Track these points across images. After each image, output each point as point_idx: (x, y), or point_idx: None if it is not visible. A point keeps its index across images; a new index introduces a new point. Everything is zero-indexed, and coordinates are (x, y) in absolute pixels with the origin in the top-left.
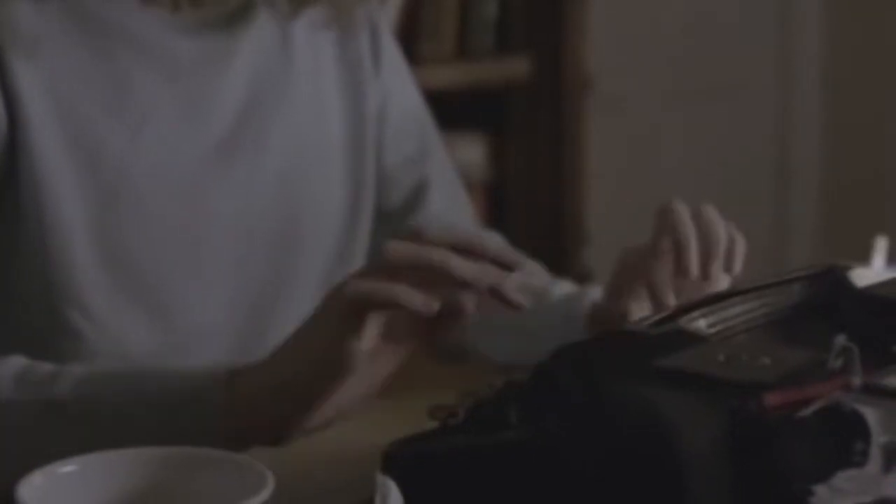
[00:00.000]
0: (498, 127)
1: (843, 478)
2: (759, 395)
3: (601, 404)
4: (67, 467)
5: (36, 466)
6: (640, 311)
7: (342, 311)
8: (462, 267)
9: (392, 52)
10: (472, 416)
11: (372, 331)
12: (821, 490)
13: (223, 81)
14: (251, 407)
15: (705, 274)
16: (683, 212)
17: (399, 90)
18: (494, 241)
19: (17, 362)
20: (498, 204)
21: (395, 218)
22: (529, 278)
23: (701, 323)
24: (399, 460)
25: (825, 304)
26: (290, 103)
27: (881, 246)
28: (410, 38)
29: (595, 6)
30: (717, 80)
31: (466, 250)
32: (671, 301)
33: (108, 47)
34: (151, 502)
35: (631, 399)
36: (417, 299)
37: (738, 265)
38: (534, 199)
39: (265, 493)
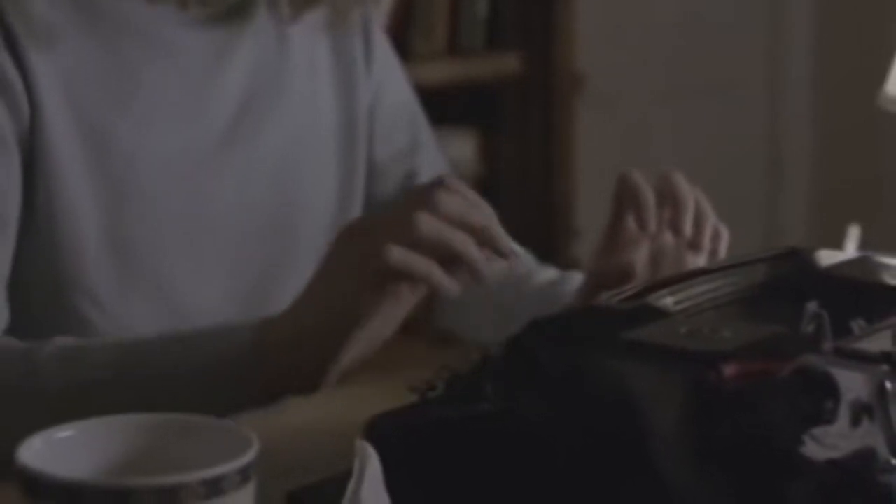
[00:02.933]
0: (489, 122)
1: (816, 434)
2: (717, 365)
3: (573, 376)
4: (65, 432)
5: None
6: (642, 260)
7: (375, 271)
8: (477, 258)
9: (384, 48)
10: (449, 390)
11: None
12: (808, 440)
13: (225, 75)
14: (280, 355)
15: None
16: (682, 179)
17: (391, 85)
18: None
19: (59, 342)
20: (489, 198)
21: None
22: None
23: (668, 300)
24: (380, 432)
25: (788, 283)
26: (285, 97)
27: (853, 234)
28: (403, 34)
29: (588, 5)
30: (708, 77)
31: (475, 231)
32: (651, 212)
33: (118, 42)
34: (144, 464)
35: (600, 371)
36: (446, 283)
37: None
38: (524, 194)
39: (251, 454)
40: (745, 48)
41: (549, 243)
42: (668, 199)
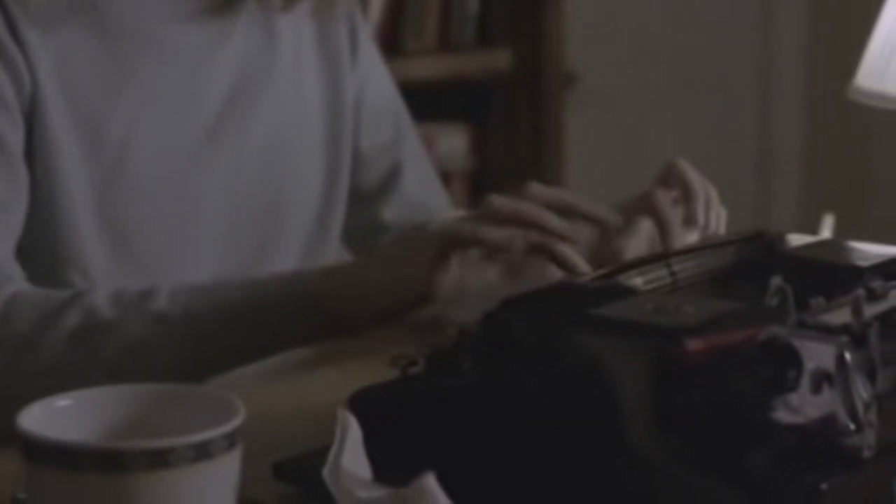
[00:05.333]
0: (480, 118)
1: (780, 401)
2: (679, 338)
3: (546, 350)
4: (63, 401)
5: (150, 378)
6: (635, 251)
7: (439, 242)
8: (555, 222)
9: (368, 43)
10: (429, 365)
11: (457, 267)
12: (771, 407)
13: (215, 67)
14: (338, 300)
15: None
16: (689, 167)
17: (374, 79)
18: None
19: (103, 291)
20: (479, 192)
21: (370, 197)
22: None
23: (638, 280)
24: (363, 404)
25: (754, 264)
26: (273, 89)
27: (828, 223)
28: (395, 31)
29: (583, 4)
30: (701, 76)
31: (560, 209)
32: (676, 234)
33: (111, 34)
34: (137, 431)
35: (571, 345)
36: (500, 239)
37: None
38: (514, 189)
39: (237, 420)
40: (737, 47)
41: None
42: (679, 187)
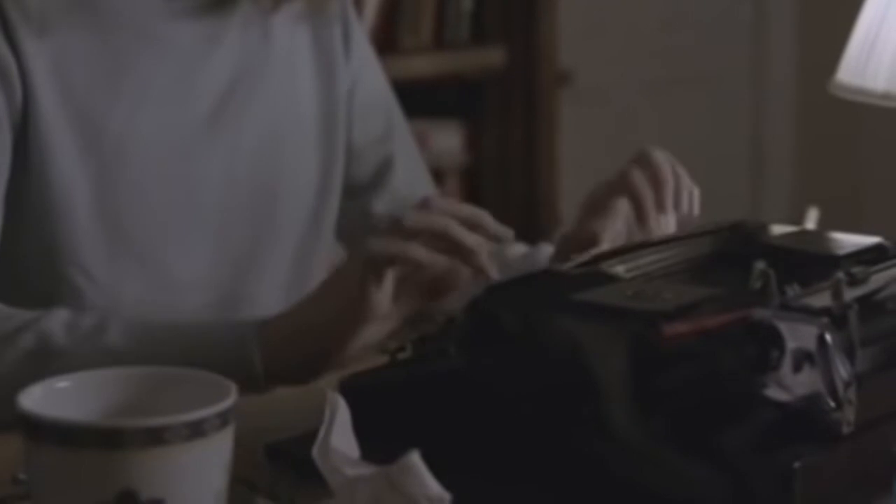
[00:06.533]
0: (474, 115)
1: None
2: (657, 322)
3: (528, 334)
4: (62, 383)
5: None
6: (611, 232)
7: (366, 265)
8: (464, 234)
9: (361, 39)
10: (417, 350)
11: (389, 284)
12: (760, 384)
13: (211, 64)
14: (283, 347)
15: (676, 206)
16: (660, 154)
17: (367, 74)
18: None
19: (62, 314)
20: (474, 188)
21: (362, 190)
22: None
23: (619, 268)
24: (353, 388)
25: (732, 253)
26: (267, 84)
27: (812, 216)
28: (390, 29)
29: (577, 1)
30: (694, 73)
31: (467, 222)
32: (651, 211)
33: (109, 31)
34: (134, 411)
35: (552, 329)
36: (425, 255)
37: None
38: (508, 184)
39: (229, 401)
40: (729, 45)
41: (533, 231)
42: (649, 174)
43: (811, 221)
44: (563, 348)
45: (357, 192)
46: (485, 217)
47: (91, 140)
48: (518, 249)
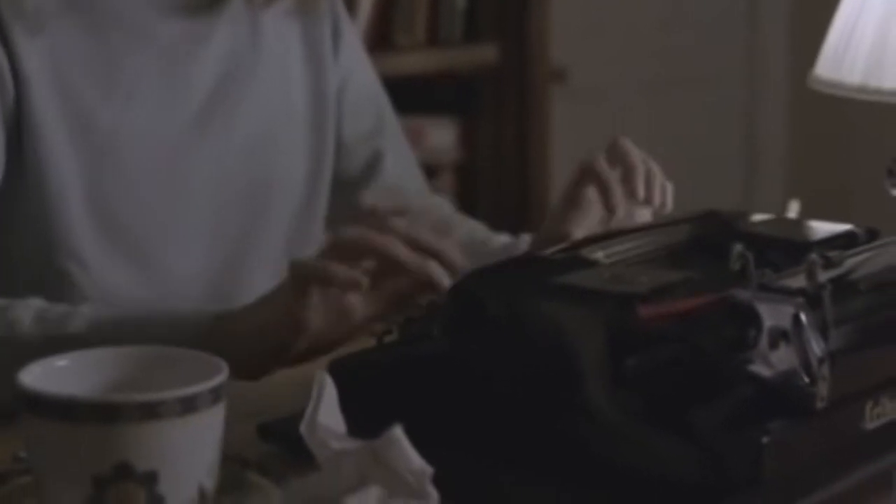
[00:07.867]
0: (468, 111)
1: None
2: (632, 304)
3: (510, 317)
4: (61, 361)
5: None
6: (585, 228)
7: (292, 284)
8: (404, 255)
9: (351, 36)
10: (403, 334)
11: (314, 300)
12: (747, 360)
13: (201, 59)
14: (235, 342)
15: (647, 198)
16: (630, 144)
17: (357, 70)
18: (443, 209)
19: (35, 302)
20: (468, 184)
21: (352, 185)
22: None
23: (599, 254)
24: (341, 370)
25: (708, 239)
26: (259, 80)
27: (793, 207)
28: (385, 27)
29: (580, 2)
30: (688, 72)
31: (409, 239)
32: (620, 198)
33: (101, 28)
34: (131, 388)
35: (533, 311)
36: (345, 275)
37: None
38: (501, 180)
39: (221, 377)
40: (724, 44)
41: (525, 228)
42: (619, 163)
43: (792, 212)
44: (542, 330)
45: (347, 187)
46: (424, 235)
47: (84, 136)
48: (499, 240)
